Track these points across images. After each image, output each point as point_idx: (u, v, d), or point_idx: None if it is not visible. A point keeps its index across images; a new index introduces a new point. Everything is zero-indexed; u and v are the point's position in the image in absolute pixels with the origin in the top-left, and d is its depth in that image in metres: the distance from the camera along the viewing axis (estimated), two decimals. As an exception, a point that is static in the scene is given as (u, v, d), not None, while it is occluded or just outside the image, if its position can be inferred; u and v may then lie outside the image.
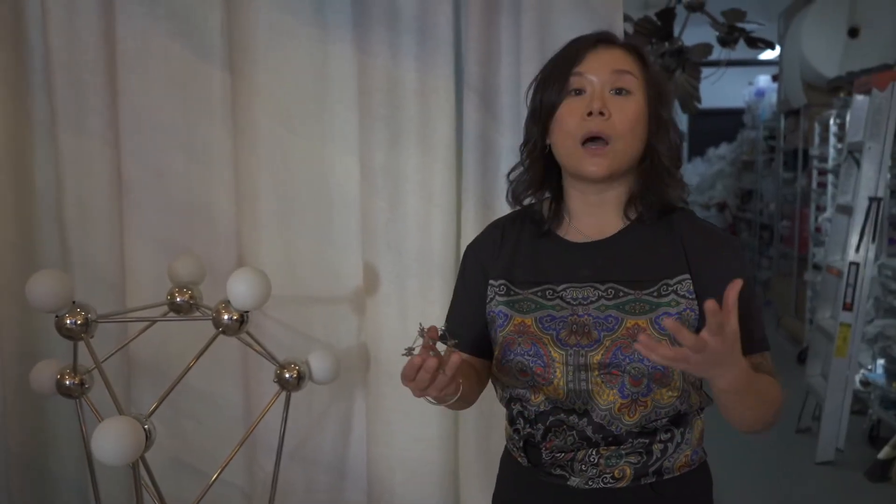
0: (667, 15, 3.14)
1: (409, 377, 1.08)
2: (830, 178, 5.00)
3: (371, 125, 1.91)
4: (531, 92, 1.28)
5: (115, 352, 1.75)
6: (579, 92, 1.22)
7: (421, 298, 1.93)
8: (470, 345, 1.30)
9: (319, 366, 1.75)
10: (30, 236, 2.03)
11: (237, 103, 1.94)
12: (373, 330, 1.98)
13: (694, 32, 3.69)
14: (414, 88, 1.88)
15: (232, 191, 1.94)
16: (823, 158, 5.18)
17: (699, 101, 3.19)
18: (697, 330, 1.12)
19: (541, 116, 1.25)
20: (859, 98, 3.92)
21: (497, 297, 1.27)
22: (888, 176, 3.69)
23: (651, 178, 1.25)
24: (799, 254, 6.00)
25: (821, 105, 5.47)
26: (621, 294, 1.21)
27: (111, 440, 1.33)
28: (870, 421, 3.89)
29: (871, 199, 3.67)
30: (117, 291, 1.95)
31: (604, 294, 1.21)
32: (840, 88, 4.85)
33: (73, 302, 1.55)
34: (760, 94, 7.99)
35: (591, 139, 1.20)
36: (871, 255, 3.69)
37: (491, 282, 1.29)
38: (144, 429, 1.41)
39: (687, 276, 1.21)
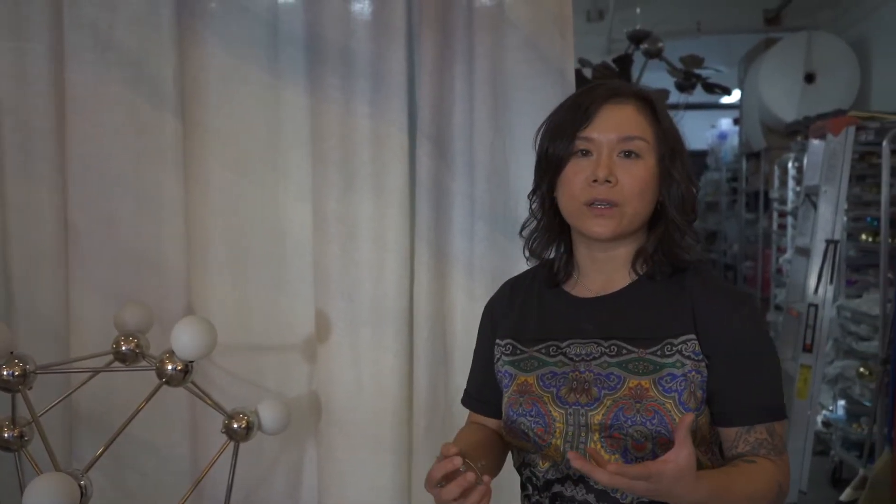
0: (624, 61, 3.19)
1: (432, 483, 1.07)
2: (790, 219, 5.08)
3: (324, 171, 1.89)
4: (538, 138, 1.26)
5: (55, 403, 1.70)
6: (586, 153, 1.19)
7: (374, 346, 1.90)
8: (488, 406, 1.31)
9: (269, 415, 1.71)
10: (-28, 284, 1.98)
11: (189, 150, 1.92)
12: (324, 378, 1.95)
13: (653, 77, 3.76)
14: (367, 134, 1.88)
15: (182, 238, 1.91)
16: (783, 201, 5.27)
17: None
18: (704, 392, 1.16)
19: (547, 170, 1.23)
20: (815, 142, 3.99)
21: (503, 357, 1.25)
22: (844, 219, 3.75)
23: (662, 237, 1.22)
24: (762, 295, 6.06)
25: (780, 148, 5.59)
26: (624, 352, 1.18)
27: (43, 498, 1.28)
28: (832, 462, 3.91)
29: (828, 242, 3.72)
30: (62, 341, 1.90)
31: (607, 350, 1.19)
32: (798, 132, 4.95)
33: (12, 353, 1.50)
34: (723, 136, 8.15)
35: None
36: (830, 296, 3.73)
37: (497, 341, 1.27)
38: (80, 485, 1.36)
39: (692, 336, 1.17)
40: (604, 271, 1.24)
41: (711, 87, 3.35)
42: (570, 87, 1.84)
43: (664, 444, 1.12)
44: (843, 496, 3.49)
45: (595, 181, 1.17)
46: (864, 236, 3.90)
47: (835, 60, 5.44)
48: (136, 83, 1.89)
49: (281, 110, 1.94)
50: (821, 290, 3.72)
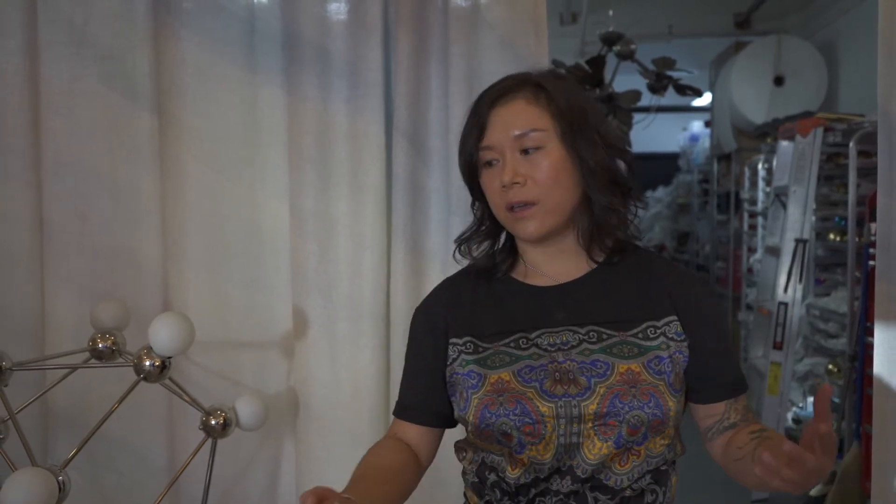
0: (597, 62, 3.22)
1: None
2: (760, 220, 5.14)
3: (301, 168, 1.90)
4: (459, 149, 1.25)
5: (32, 401, 1.69)
6: (492, 162, 1.18)
7: (351, 343, 1.91)
8: (429, 415, 1.24)
9: (247, 411, 1.72)
10: (-55, 282, 1.96)
11: (165, 146, 1.92)
12: (302, 375, 1.95)
13: (625, 79, 3.80)
14: (344, 132, 1.89)
15: (159, 234, 1.91)
16: (753, 201, 5.33)
17: (630, 145, 3.26)
18: (685, 371, 1.16)
19: (470, 184, 1.24)
20: (784, 143, 4.05)
21: (463, 356, 1.18)
22: (813, 218, 3.81)
23: (597, 219, 1.20)
24: (733, 294, 6.13)
25: (750, 150, 5.65)
26: (605, 336, 1.16)
27: (22, 492, 1.28)
28: (802, 458, 3.96)
29: (798, 241, 3.77)
30: (36, 338, 1.89)
31: (585, 337, 1.16)
32: (767, 134, 5.02)
33: (-13, 349, 1.50)
34: (694, 139, 8.23)
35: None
36: (799, 294, 3.78)
37: (453, 341, 1.20)
38: (58, 480, 1.36)
39: (674, 317, 1.17)
40: (557, 262, 1.22)
41: (683, 89, 3.40)
42: (546, 87, 1.86)
43: (657, 426, 1.12)
44: (813, 491, 3.53)
45: (505, 186, 1.15)
46: (832, 235, 3.95)
47: (803, 64, 5.52)
48: (112, 79, 1.89)
49: (258, 108, 1.94)
50: (790, 288, 3.78)
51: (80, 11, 1.88)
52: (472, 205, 1.27)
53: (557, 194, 1.16)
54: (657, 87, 3.34)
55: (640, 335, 1.16)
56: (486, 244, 1.27)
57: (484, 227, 1.26)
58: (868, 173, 3.38)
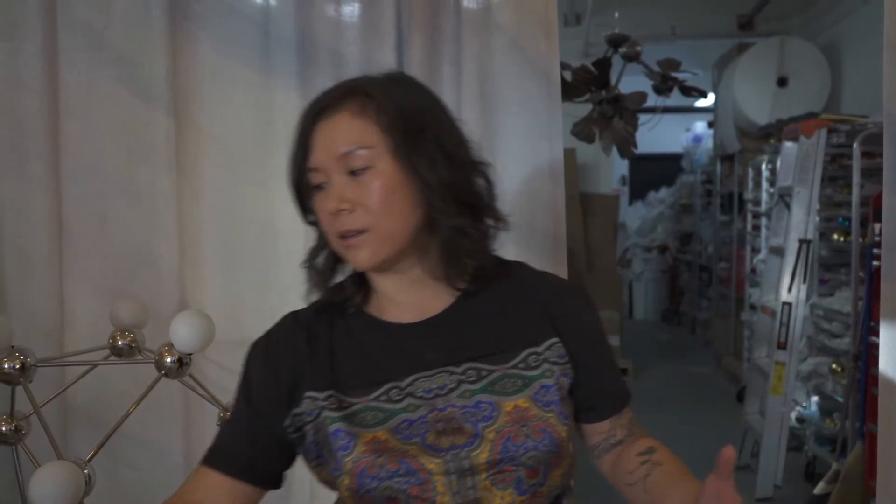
0: (603, 64, 3.25)
1: None
2: (764, 220, 5.17)
3: (315, 170, 1.93)
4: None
5: (55, 396, 1.73)
6: (321, 186, 1.05)
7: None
8: (241, 466, 1.06)
9: (263, 409, 1.75)
10: (-34, 282, 2.00)
11: (181, 148, 1.95)
12: (317, 372, 1.99)
13: (631, 80, 3.83)
14: (358, 135, 1.92)
15: (175, 235, 1.95)
16: (757, 202, 5.37)
17: (635, 146, 3.29)
18: (570, 391, 1.08)
19: (302, 208, 1.11)
20: (788, 144, 4.09)
21: (326, 413, 1.03)
22: (817, 219, 3.84)
23: (446, 242, 1.05)
24: (736, 294, 6.16)
25: (753, 151, 5.69)
26: (485, 373, 1.04)
27: (50, 485, 1.31)
28: (806, 457, 3.99)
29: (802, 241, 3.81)
30: (56, 337, 1.92)
31: (464, 378, 1.04)
32: (771, 135, 5.05)
33: (12, 346, 1.53)
34: (697, 139, 8.27)
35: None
36: (803, 295, 3.82)
37: (311, 395, 1.05)
38: (84, 473, 1.39)
39: (556, 339, 1.08)
40: (413, 293, 1.09)
41: (688, 90, 3.42)
42: (556, 89, 1.90)
43: (554, 462, 1.03)
44: (817, 489, 3.57)
45: (332, 214, 1.03)
46: (835, 236, 3.99)
47: (806, 65, 5.56)
48: (129, 82, 1.93)
49: (273, 110, 1.97)
50: (794, 288, 3.81)
51: (98, 16, 1.91)
52: (312, 223, 1.13)
53: (391, 220, 1.02)
54: (663, 88, 3.36)
55: (522, 365, 1.05)
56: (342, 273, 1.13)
57: (326, 253, 1.12)
58: (872, 174, 3.42)
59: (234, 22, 1.95)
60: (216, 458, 1.08)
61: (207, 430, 1.89)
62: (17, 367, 1.53)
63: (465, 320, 1.08)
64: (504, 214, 1.12)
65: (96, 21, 1.91)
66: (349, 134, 1.03)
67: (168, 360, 1.57)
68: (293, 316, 1.14)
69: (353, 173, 1.02)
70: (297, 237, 1.98)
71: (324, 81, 1.91)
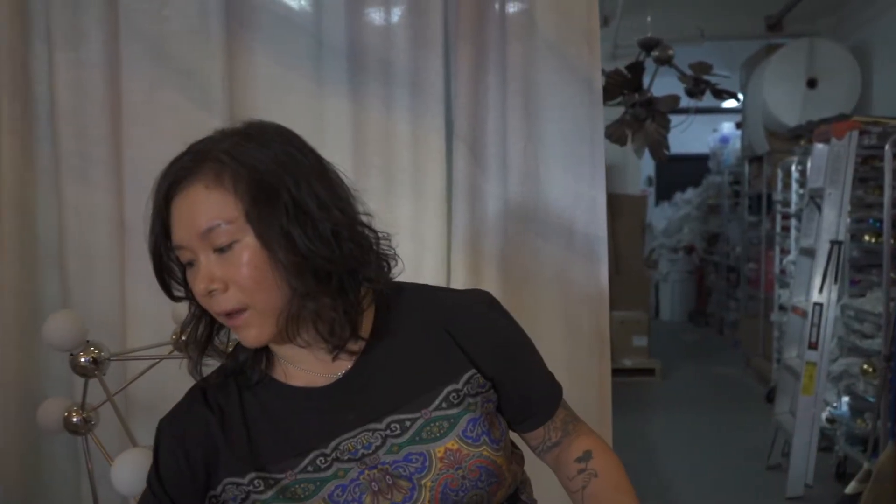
0: (636, 68, 3.31)
1: None
2: (793, 221, 5.18)
3: (366, 174, 2.02)
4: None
5: (124, 387, 1.82)
6: (192, 263, 0.98)
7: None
8: None
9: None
10: (32, 280, 2.09)
11: (237, 153, 2.03)
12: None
13: (663, 82, 3.88)
14: (406, 140, 2.00)
15: (231, 236, 2.03)
16: (786, 203, 5.37)
17: (668, 149, 3.35)
18: (498, 408, 1.06)
19: (163, 284, 1.03)
20: (819, 146, 4.10)
21: (254, 496, 1.00)
22: (848, 220, 3.86)
23: (314, 318, 0.98)
24: (765, 295, 6.17)
25: (782, 152, 5.68)
26: (408, 423, 1.00)
27: (129, 470, 1.40)
28: (837, 457, 4.01)
29: (833, 243, 3.83)
30: (117, 333, 2.02)
31: (388, 432, 1.00)
32: (800, 137, 5.06)
33: (87, 341, 1.62)
34: (725, 140, 8.26)
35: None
36: (834, 295, 3.84)
37: (234, 481, 1.01)
38: (157, 462, 1.47)
39: (473, 371, 1.04)
40: (315, 355, 1.03)
41: (720, 93, 3.48)
42: (598, 96, 1.97)
43: (496, 490, 1.03)
44: (849, 489, 3.59)
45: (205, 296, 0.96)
46: (867, 237, 4.00)
47: (836, 66, 5.56)
48: (188, 90, 2.02)
49: (325, 117, 2.06)
50: (825, 289, 3.83)
51: (159, 28, 2.00)
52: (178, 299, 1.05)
53: (266, 295, 0.96)
54: (695, 91, 3.41)
55: (445, 404, 1.02)
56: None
57: (204, 322, 1.04)
58: (903, 176, 3.43)
59: (287, 31, 2.04)
60: None
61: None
62: (92, 360, 1.61)
63: (376, 373, 1.03)
64: (389, 266, 1.06)
65: (157, 32, 2.00)
66: (207, 209, 0.95)
67: (233, 355, 1.65)
68: (202, 395, 1.06)
69: (219, 250, 0.95)
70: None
71: (374, 89, 2.00)
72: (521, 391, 1.10)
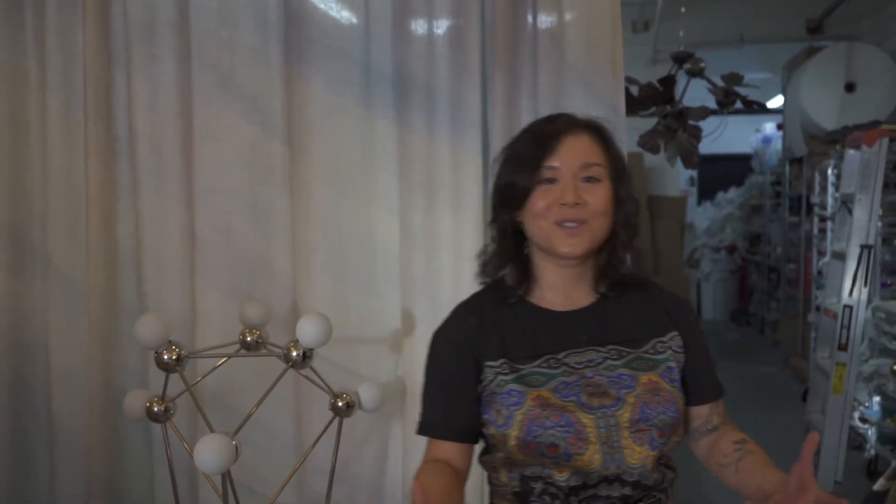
0: (668, 81, 3.46)
1: None
2: (829, 224, 5.23)
3: (410, 190, 2.22)
4: (498, 166, 1.36)
5: (199, 380, 2.06)
6: (551, 181, 1.29)
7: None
8: (458, 432, 1.31)
9: (368, 395, 2.02)
10: (112, 283, 2.34)
11: (295, 171, 2.25)
12: (409, 366, 2.27)
13: (695, 90, 3.99)
14: (447, 160, 2.20)
15: (289, 246, 2.25)
16: (823, 206, 5.42)
17: (698, 157, 3.49)
18: (680, 373, 1.33)
19: (511, 198, 1.32)
20: (850, 152, 4.18)
21: (500, 377, 1.27)
22: (878, 225, 3.93)
23: (613, 254, 1.34)
24: (804, 295, 6.20)
25: (821, 154, 5.70)
26: (624, 353, 1.29)
27: (211, 452, 1.61)
28: (867, 456, 4.10)
29: (863, 247, 3.91)
30: (187, 333, 2.25)
31: (608, 355, 1.29)
32: (837, 141, 5.11)
33: (170, 340, 1.85)
34: (767, 140, 8.24)
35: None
36: (864, 298, 3.92)
37: (489, 364, 1.29)
38: (233, 444, 1.69)
39: (676, 332, 1.34)
40: (569, 287, 1.34)
41: (750, 104, 3.60)
42: (622, 120, 2.14)
43: (676, 427, 1.27)
44: (877, 486, 3.66)
45: (564, 204, 1.27)
46: (897, 242, 4.08)
47: (875, 71, 5.55)
48: (251, 115, 2.24)
49: (373, 139, 2.27)
50: (855, 292, 3.91)
51: (226, 58, 2.23)
52: (492, 222, 1.38)
53: (604, 222, 1.30)
54: (725, 102, 3.54)
55: (651, 350, 1.31)
56: (506, 267, 1.36)
57: (503, 247, 1.36)
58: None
59: (340, 61, 2.25)
60: (432, 429, 1.36)
61: (314, 414, 2.19)
62: (174, 357, 1.85)
63: (607, 314, 1.34)
64: (632, 244, 1.38)
65: (225, 62, 2.23)
66: (593, 152, 1.31)
67: (294, 354, 1.87)
68: (464, 305, 1.40)
69: (587, 180, 1.29)
70: (393, 249, 2.28)
71: (418, 114, 2.20)
72: (699, 369, 1.36)
